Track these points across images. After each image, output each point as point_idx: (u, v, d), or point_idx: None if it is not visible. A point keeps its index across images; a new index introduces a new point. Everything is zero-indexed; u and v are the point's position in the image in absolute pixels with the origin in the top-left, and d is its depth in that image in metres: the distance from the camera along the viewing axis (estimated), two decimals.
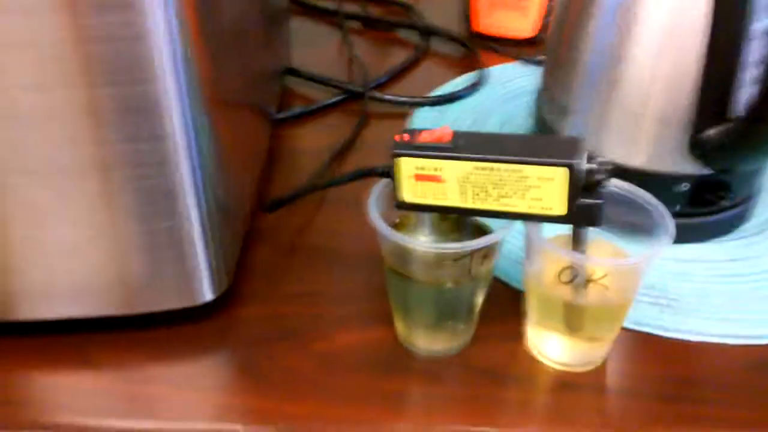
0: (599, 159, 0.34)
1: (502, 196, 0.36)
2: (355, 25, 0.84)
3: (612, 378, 0.41)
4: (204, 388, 0.41)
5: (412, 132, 0.38)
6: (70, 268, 0.39)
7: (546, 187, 0.35)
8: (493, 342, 0.43)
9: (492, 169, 0.36)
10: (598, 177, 0.34)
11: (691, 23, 0.42)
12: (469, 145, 0.36)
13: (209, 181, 0.39)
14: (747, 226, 0.52)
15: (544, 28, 0.77)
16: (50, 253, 0.39)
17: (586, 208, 0.35)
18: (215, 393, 0.40)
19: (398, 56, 0.75)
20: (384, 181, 0.40)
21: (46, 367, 0.41)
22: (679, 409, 0.39)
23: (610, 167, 0.34)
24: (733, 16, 0.42)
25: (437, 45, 0.79)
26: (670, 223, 0.37)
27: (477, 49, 0.76)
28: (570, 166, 0.34)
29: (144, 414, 0.39)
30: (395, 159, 0.37)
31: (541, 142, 0.36)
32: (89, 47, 0.33)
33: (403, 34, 0.82)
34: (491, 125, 0.64)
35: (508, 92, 0.69)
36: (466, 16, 0.81)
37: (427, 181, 0.37)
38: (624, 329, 0.42)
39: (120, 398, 0.40)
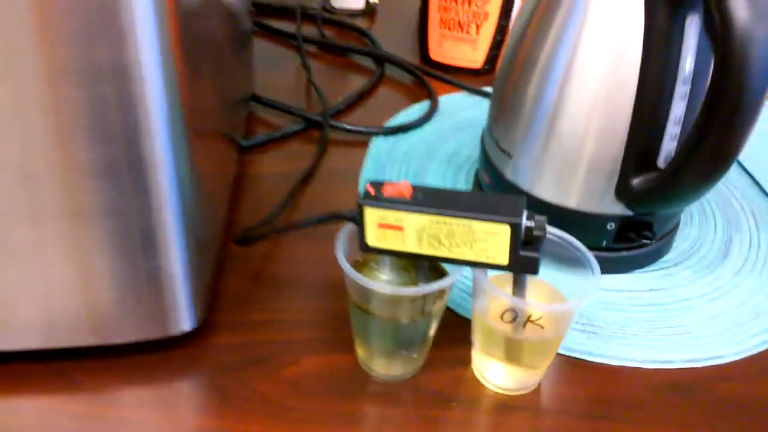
0: (537, 218, 0.40)
1: (454, 246, 0.41)
2: (312, 48, 0.87)
3: (545, 399, 0.47)
4: (178, 412, 0.44)
5: (377, 184, 0.42)
6: (53, 303, 0.41)
7: (491, 240, 0.40)
8: (443, 367, 0.48)
9: (445, 222, 0.41)
10: (536, 233, 0.40)
11: (620, 86, 0.48)
12: (426, 201, 0.41)
13: (191, 221, 0.41)
14: (666, 258, 0.59)
15: (490, 59, 0.83)
16: (39, 290, 0.41)
17: (525, 259, 0.40)
18: (189, 416, 0.44)
19: (354, 80, 0.79)
20: (348, 225, 0.44)
21: (33, 391, 0.44)
22: (603, 427, 0.45)
23: (545, 225, 0.40)
24: (656, 82, 0.48)
25: (392, 71, 0.83)
26: (595, 269, 0.43)
27: (427, 78, 0.81)
28: (512, 224, 0.39)
29: None
30: (362, 208, 0.42)
31: (488, 200, 0.41)
32: (83, 112, 0.35)
33: (358, 58, 0.86)
34: (443, 153, 0.69)
35: (458, 122, 0.75)
36: (422, 44, 0.85)
37: (389, 230, 0.42)
38: (556, 354, 0.48)
39: (100, 421, 0.43)
